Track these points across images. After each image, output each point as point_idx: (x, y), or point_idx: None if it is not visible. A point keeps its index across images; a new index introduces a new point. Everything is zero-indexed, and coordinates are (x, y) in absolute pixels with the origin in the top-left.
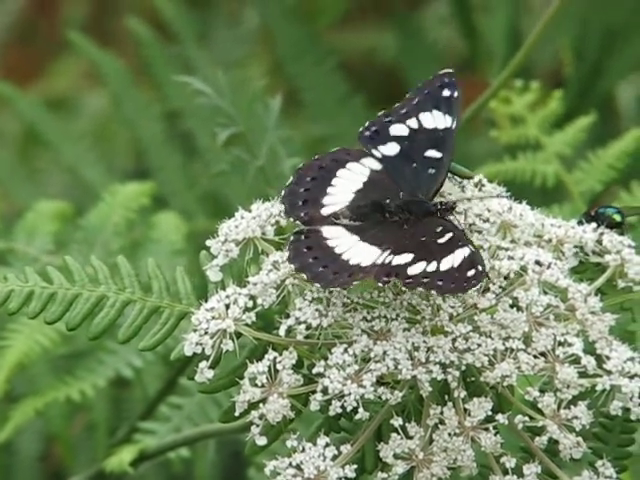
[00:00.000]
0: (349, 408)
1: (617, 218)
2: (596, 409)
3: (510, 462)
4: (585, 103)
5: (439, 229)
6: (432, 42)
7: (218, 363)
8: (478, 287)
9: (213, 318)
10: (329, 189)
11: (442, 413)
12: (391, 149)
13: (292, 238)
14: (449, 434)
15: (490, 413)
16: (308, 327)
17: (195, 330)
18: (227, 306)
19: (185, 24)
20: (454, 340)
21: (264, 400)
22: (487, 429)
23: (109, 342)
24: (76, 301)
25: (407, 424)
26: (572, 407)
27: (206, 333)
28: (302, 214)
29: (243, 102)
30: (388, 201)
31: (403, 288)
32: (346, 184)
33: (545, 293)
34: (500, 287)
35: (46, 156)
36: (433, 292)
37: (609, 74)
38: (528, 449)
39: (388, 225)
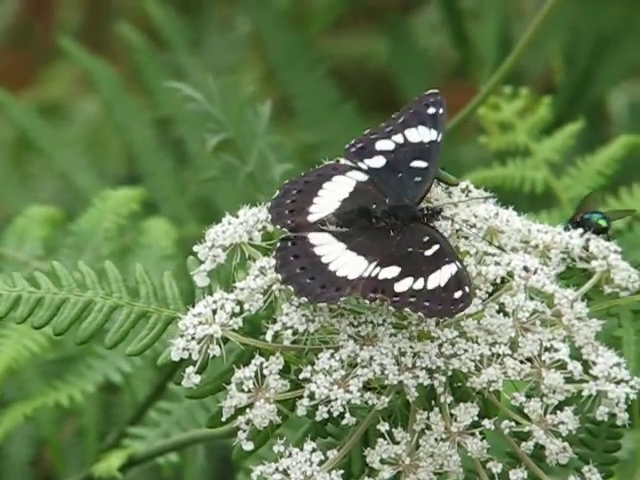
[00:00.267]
0: (336, 413)
1: (603, 223)
2: (582, 415)
3: (496, 467)
4: (575, 109)
5: (426, 239)
6: (423, 49)
7: (205, 368)
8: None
9: (200, 323)
10: (315, 199)
11: (429, 418)
12: (377, 162)
13: (279, 245)
14: (435, 439)
15: (476, 418)
16: (295, 332)
17: (182, 335)
18: (214, 311)
19: (177, 30)
20: (440, 345)
21: (251, 405)
22: (473, 434)
23: (98, 347)
24: (63, 306)
25: (394, 429)
26: (558, 412)
27: (193, 338)
28: (289, 221)
29: (233, 108)
30: (374, 206)
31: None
32: (332, 194)
33: (531, 299)
34: (487, 292)
35: (38, 162)
36: (420, 314)
37: (599, 80)
38: (514, 454)
39: (374, 232)
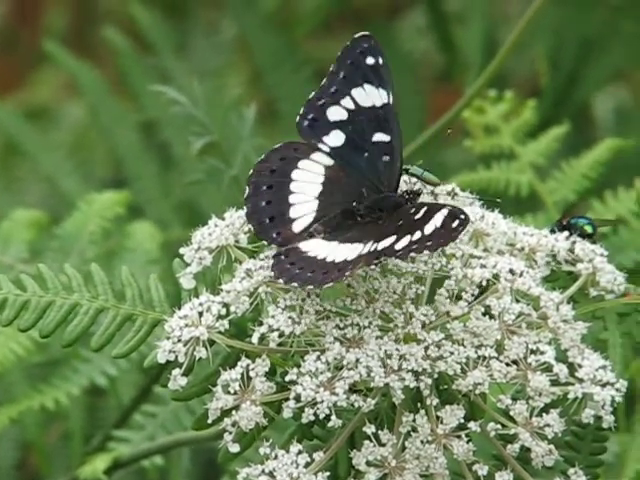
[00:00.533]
0: (322, 415)
1: (588, 229)
2: (568, 417)
3: (482, 470)
4: (560, 113)
5: (412, 210)
6: (409, 52)
7: (191, 371)
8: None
9: (186, 326)
10: (291, 198)
11: (414, 420)
12: (336, 139)
13: (273, 261)
14: (421, 441)
15: (462, 421)
16: (281, 335)
17: (168, 337)
18: (200, 314)
19: (162, 34)
20: (427, 348)
21: (237, 407)
22: (459, 437)
23: (83, 350)
24: (49, 308)
25: (380, 431)
26: (544, 415)
27: (179, 341)
28: (274, 235)
29: (218, 111)
30: (355, 204)
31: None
32: (306, 189)
33: (517, 301)
34: (472, 295)
35: (24, 165)
36: (427, 252)
37: (585, 84)
38: (500, 457)
39: (363, 226)
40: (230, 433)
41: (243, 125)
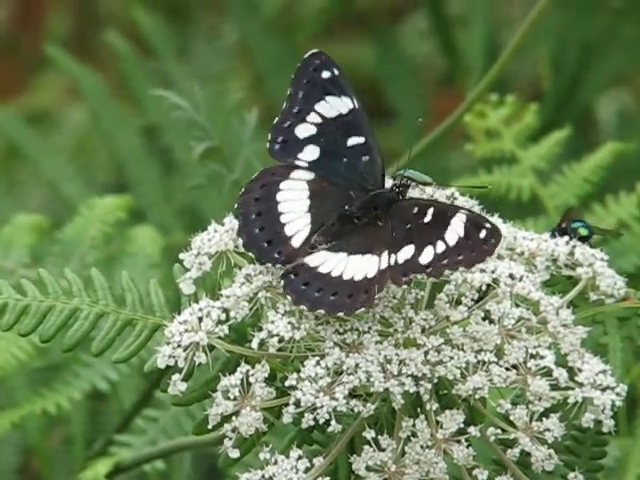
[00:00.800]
0: (322, 421)
1: (583, 232)
2: (568, 422)
3: (482, 474)
4: (562, 117)
5: (415, 210)
6: (411, 56)
7: (191, 376)
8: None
9: (186, 331)
10: (282, 218)
11: (414, 425)
12: (311, 153)
13: (283, 282)
14: (421, 446)
15: (462, 425)
16: (281, 340)
17: (168, 343)
18: (200, 319)
19: (164, 38)
20: (426, 353)
21: (237, 413)
22: (459, 441)
23: (84, 355)
24: (50, 313)
25: (379, 436)
26: (544, 419)
27: (179, 346)
28: (276, 255)
29: (219, 116)
30: (348, 207)
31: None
32: (294, 207)
33: (517, 306)
34: (472, 300)
35: (26, 170)
36: (462, 269)
37: (587, 87)
38: (500, 461)
39: (363, 229)
40: (230, 439)
41: (244, 130)
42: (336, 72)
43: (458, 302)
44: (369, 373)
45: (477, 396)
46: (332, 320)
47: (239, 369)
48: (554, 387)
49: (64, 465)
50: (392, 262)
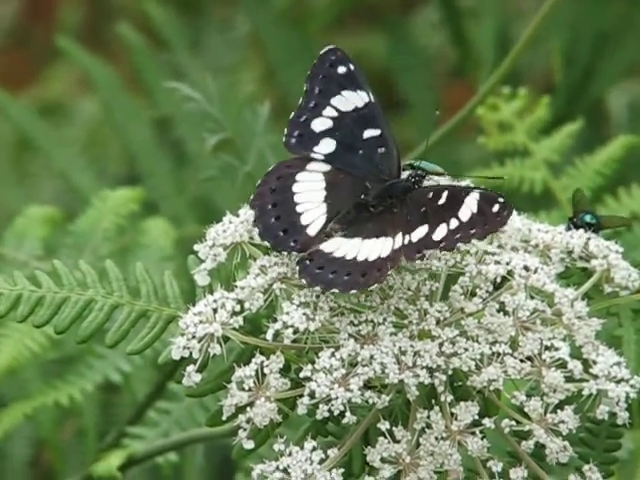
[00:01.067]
0: (336, 412)
1: (587, 219)
2: (582, 414)
3: (497, 466)
4: (575, 109)
5: (430, 195)
6: (422, 48)
7: (206, 367)
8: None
9: (201, 322)
10: (298, 208)
11: (429, 417)
12: (327, 146)
13: (299, 268)
14: (436, 438)
15: (477, 417)
16: (295, 331)
17: (183, 334)
18: (215, 310)
19: (176, 30)
20: (441, 344)
21: (251, 404)
22: (474, 433)
23: (98, 347)
24: (64, 305)
25: (394, 428)
26: (559, 411)
27: (194, 337)
28: (292, 243)
29: (232, 108)
30: (363, 196)
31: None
32: (310, 197)
33: (532, 298)
34: (487, 292)
35: (38, 161)
36: (471, 249)
37: (599, 79)
38: (515, 453)
39: (379, 217)
40: (244, 430)
41: (257, 121)
42: (352, 67)
43: (473, 294)
44: (384, 365)
45: (492, 388)
46: (347, 311)
47: (254, 360)
48: (569, 379)
49: (76, 457)
50: (406, 242)
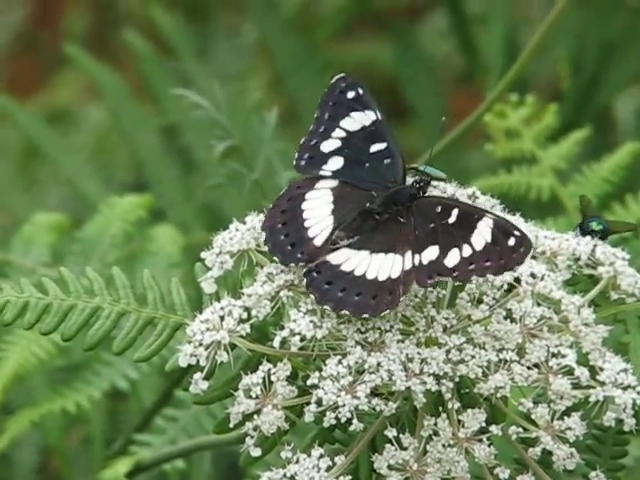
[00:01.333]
0: (343, 419)
1: (593, 226)
2: (589, 421)
3: (504, 473)
4: (582, 116)
5: (439, 209)
6: (430, 55)
7: (213, 374)
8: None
9: (208, 329)
10: (306, 223)
11: (436, 424)
12: (335, 163)
13: (306, 280)
14: (443, 445)
15: (484, 424)
16: (302, 339)
17: (190, 341)
18: (222, 318)
19: (184, 37)
20: (448, 351)
21: (258, 411)
22: (481, 440)
23: (105, 354)
24: (71, 312)
25: (401, 435)
26: (566, 418)
27: (201, 344)
28: (299, 255)
29: (239, 115)
30: (369, 204)
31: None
32: (318, 212)
33: (539, 305)
34: (494, 299)
35: (45, 168)
36: (491, 277)
37: (607, 87)
38: (522, 460)
39: (385, 226)
40: (252, 437)
41: (265, 129)
42: (361, 91)
43: (480, 301)
44: (391, 372)
45: (499, 395)
46: (354, 319)
47: (261, 368)
48: (575, 386)
49: (83, 465)
50: (416, 262)
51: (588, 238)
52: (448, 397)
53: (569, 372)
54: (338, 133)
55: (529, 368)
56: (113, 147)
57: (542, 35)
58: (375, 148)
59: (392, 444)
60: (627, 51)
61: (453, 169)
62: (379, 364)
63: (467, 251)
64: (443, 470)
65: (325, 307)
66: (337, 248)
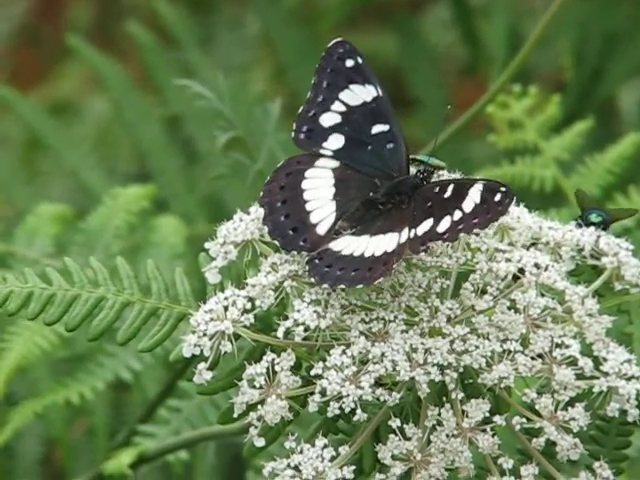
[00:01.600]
0: (347, 409)
1: (592, 218)
2: (593, 411)
3: (507, 463)
4: (585, 107)
5: (436, 189)
6: (433, 46)
7: (217, 365)
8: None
9: (212, 320)
10: (307, 206)
11: (440, 414)
12: (336, 141)
13: (308, 267)
14: (447, 435)
15: (488, 415)
16: (306, 329)
17: (194, 332)
18: (225, 308)
19: (187, 28)
20: (452, 342)
21: (262, 402)
22: (485, 430)
23: (108, 345)
24: (75, 302)
25: (405, 425)
26: (569, 409)
27: (205, 335)
28: (301, 243)
29: (242, 106)
30: (372, 194)
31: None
32: (319, 194)
33: (542, 295)
34: (498, 289)
35: (48, 160)
36: (478, 231)
37: (610, 78)
38: (525, 451)
39: (388, 214)
40: (255, 427)
41: (268, 120)
42: (360, 60)
43: (483, 291)
44: (395, 362)
45: (502, 385)
46: (358, 309)
47: (265, 358)
48: (579, 376)
49: (87, 456)
50: (411, 235)
51: (592, 229)
52: (452, 387)
53: (573, 362)
54: (338, 106)
55: (533, 358)
56: (116, 138)
57: (545, 26)
58: (377, 129)
59: (396, 434)
60: (630, 42)
61: (456, 160)
62: (383, 354)
63: (458, 215)
64: (447, 460)
65: (324, 286)
66: (338, 237)
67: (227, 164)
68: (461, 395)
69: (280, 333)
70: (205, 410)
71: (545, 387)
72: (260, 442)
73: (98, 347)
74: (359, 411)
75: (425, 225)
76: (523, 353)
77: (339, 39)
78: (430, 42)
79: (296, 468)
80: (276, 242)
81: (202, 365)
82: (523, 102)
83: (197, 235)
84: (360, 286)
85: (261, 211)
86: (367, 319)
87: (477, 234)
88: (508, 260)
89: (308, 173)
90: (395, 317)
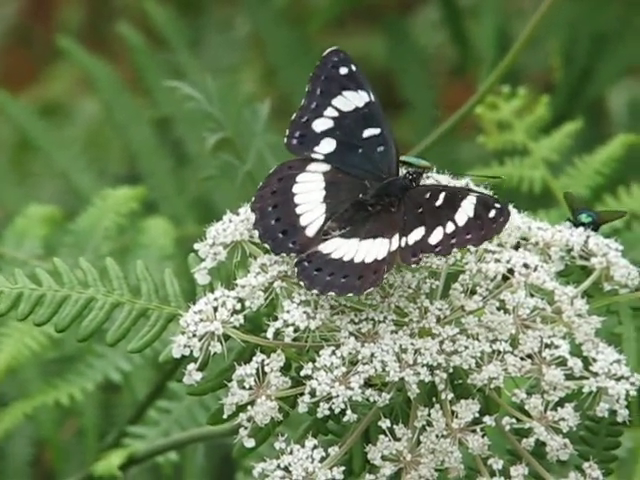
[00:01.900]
0: (337, 410)
1: (582, 219)
2: (583, 412)
3: (497, 464)
4: (574, 108)
5: (427, 195)
6: (422, 47)
7: (206, 365)
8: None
9: (201, 320)
10: (297, 209)
11: (429, 415)
12: (328, 145)
13: (297, 269)
14: (436, 436)
15: (477, 415)
16: (296, 329)
17: (183, 332)
18: (215, 309)
19: (176, 30)
20: (441, 342)
21: (252, 402)
22: (474, 431)
23: (98, 346)
24: (65, 303)
25: (395, 426)
26: (559, 409)
27: (194, 335)
28: (291, 245)
29: (232, 107)
30: (362, 195)
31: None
32: (310, 198)
33: (532, 296)
34: (487, 290)
35: (38, 161)
36: (471, 247)
37: (599, 78)
38: (515, 451)
39: (377, 216)
40: (245, 428)
41: (257, 121)
42: (353, 68)
43: (473, 292)
44: (384, 363)
45: (492, 386)
46: (347, 310)
47: (254, 359)
48: (569, 377)
49: (77, 457)
50: (402, 244)
51: (581, 229)
52: (442, 388)
53: (562, 363)
54: (330, 112)
55: (522, 359)
56: (106, 140)
57: (534, 27)
58: (368, 133)
59: (386, 435)
60: (619, 42)
61: (445, 161)
62: (372, 355)
63: (450, 228)
64: (437, 461)
65: (313, 291)
66: (328, 239)
67: (216, 165)
68: (451, 396)
69: (270, 334)
70: (195, 411)
71: (535, 387)
72: (250, 443)
73: (88, 348)
74: (349, 412)
75: (416, 234)
76: (512, 353)
77: (333, 48)
78: (419, 43)
79: (286, 469)
80: (266, 245)
81: (192, 366)
82: (512, 103)
83: (186, 236)
84: (350, 295)
85: (252, 216)
86: (357, 320)
87: None
88: (497, 260)
89: (299, 177)
90: (385, 318)
